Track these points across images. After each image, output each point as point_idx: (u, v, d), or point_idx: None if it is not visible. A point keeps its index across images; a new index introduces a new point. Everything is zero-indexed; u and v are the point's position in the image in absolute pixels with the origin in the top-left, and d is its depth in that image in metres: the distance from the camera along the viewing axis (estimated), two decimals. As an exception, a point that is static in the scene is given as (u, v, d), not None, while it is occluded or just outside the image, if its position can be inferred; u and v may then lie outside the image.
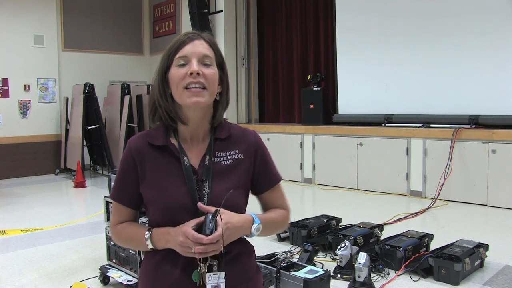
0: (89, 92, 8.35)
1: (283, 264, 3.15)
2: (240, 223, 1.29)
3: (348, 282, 3.16)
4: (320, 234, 4.06)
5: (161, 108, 1.35)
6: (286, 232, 4.16)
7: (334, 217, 4.48)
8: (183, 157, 1.34)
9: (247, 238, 1.42)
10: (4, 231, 4.69)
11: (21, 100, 8.68)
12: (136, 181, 1.36)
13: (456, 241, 3.58)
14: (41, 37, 8.81)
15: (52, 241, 4.44)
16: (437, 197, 5.76)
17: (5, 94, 8.50)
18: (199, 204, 1.28)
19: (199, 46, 1.33)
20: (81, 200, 6.90)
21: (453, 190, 5.71)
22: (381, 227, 4.12)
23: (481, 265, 3.46)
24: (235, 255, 1.34)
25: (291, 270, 3.07)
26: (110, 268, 3.28)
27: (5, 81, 8.49)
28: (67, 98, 8.80)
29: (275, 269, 3.05)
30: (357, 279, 3.03)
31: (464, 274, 3.24)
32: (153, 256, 1.35)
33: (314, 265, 3.39)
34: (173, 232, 1.27)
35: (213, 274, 1.27)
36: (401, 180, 6.28)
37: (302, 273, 2.98)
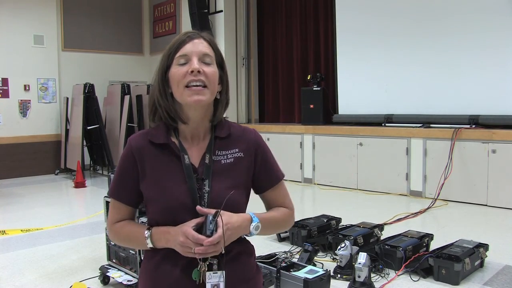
0: (89, 92, 8.35)
1: (283, 264, 3.15)
2: (238, 223, 1.29)
3: (348, 282, 3.16)
4: (320, 234, 4.06)
5: (161, 108, 1.35)
6: (286, 232, 4.16)
7: (334, 217, 4.48)
8: (184, 156, 1.34)
9: (247, 238, 1.41)
10: (4, 231, 4.69)
11: (21, 100, 8.68)
12: (136, 179, 1.35)
13: (456, 241, 3.58)
14: (41, 37, 8.81)
15: (52, 241, 4.44)
16: (437, 197, 5.76)
17: (5, 94, 8.50)
18: (198, 207, 1.28)
19: (199, 45, 1.33)
20: (81, 200, 6.90)
21: (453, 190, 5.71)
22: (381, 227, 4.12)
23: (481, 265, 3.46)
24: (235, 254, 1.34)
25: (291, 270, 3.07)
26: (110, 268, 3.28)
27: (5, 81, 8.49)
28: (67, 98, 8.79)
29: (275, 269, 3.05)
30: (357, 279, 3.03)
31: (464, 274, 3.24)
32: (153, 256, 1.35)
33: (314, 265, 3.38)
34: (173, 232, 1.26)
35: (213, 273, 1.27)
36: (401, 180, 6.28)
37: (302, 273, 2.97)
